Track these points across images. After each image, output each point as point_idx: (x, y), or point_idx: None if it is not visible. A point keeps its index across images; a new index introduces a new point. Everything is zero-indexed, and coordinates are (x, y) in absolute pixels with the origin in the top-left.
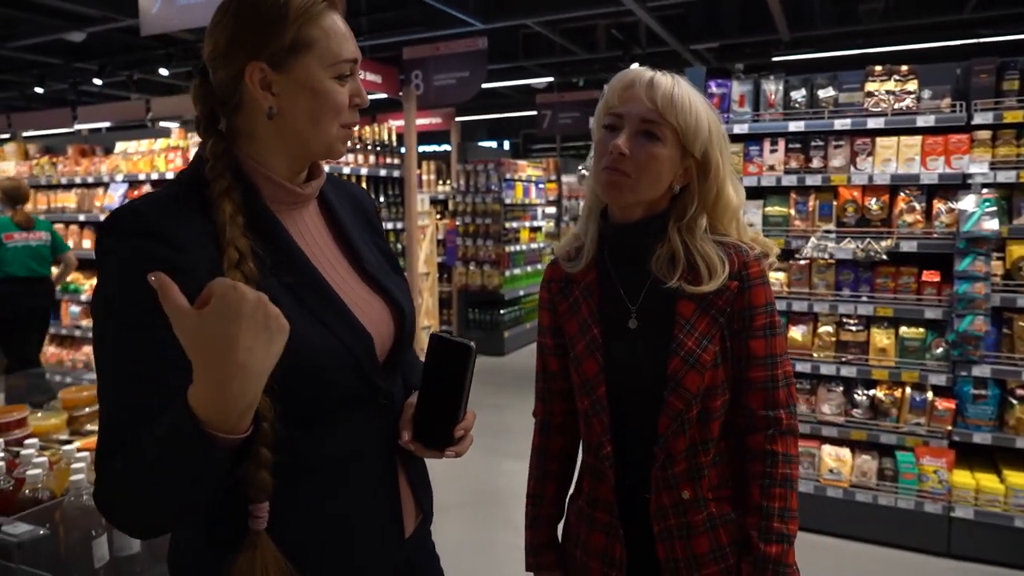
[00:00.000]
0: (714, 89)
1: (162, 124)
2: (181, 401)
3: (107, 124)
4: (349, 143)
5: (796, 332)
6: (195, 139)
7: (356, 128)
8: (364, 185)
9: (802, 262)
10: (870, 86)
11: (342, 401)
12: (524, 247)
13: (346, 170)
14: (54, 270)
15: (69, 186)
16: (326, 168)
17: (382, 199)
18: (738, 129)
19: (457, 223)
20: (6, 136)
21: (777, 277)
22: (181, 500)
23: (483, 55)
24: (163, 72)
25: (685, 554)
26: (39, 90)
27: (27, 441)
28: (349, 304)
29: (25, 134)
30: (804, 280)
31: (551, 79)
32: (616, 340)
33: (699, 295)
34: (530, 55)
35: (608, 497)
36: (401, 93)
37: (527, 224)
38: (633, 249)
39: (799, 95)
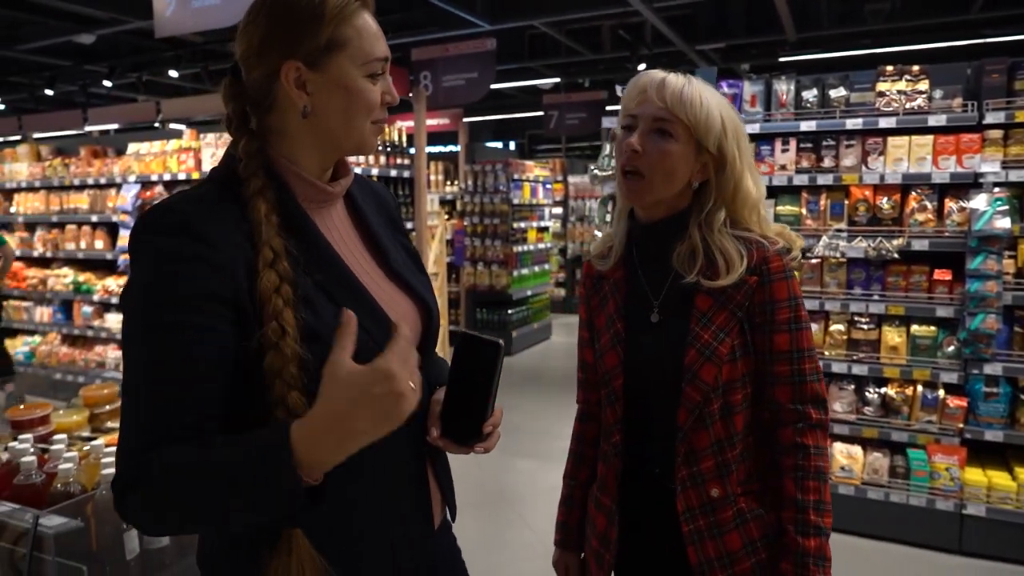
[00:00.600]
0: (725, 89)
1: (172, 126)
2: (282, 430)
3: (116, 126)
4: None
5: None
6: (207, 140)
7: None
8: None
9: (813, 261)
10: (881, 86)
11: None
12: (532, 247)
13: (357, 170)
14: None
15: (81, 187)
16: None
17: None
18: (750, 129)
19: (465, 223)
20: (17, 138)
21: None
22: (228, 517)
23: (491, 56)
24: (172, 74)
25: (718, 552)
26: (49, 92)
27: (55, 437)
28: (381, 301)
29: (36, 136)
30: (816, 279)
31: (557, 80)
32: (639, 334)
33: (717, 289)
34: (536, 56)
35: (611, 483)
36: (411, 94)
37: (534, 224)
38: (657, 246)
39: (810, 95)
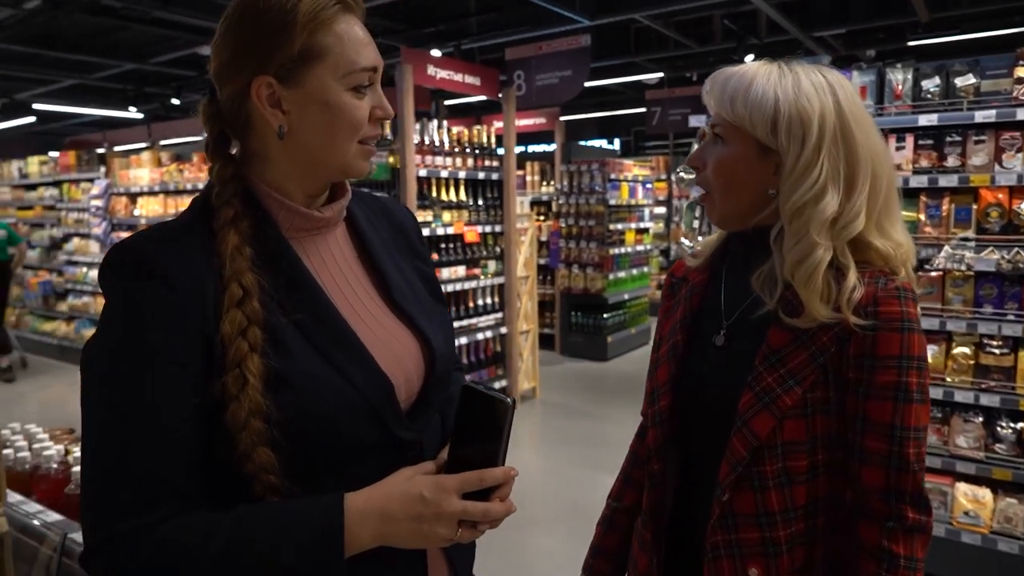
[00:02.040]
0: None
1: None
2: (336, 504)
3: None
4: (450, 145)
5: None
6: None
7: (377, 137)
8: (461, 188)
9: (933, 274)
10: (1020, 71)
11: (359, 451)
12: (629, 249)
13: (444, 173)
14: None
15: (193, 191)
16: (386, 189)
17: (480, 202)
18: None
19: (560, 225)
20: (146, 145)
21: None
22: None
23: (586, 52)
24: None
25: None
26: (176, 101)
27: None
28: (370, 341)
29: (164, 142)
30: (936, 294)
31: (661, 74)
32: (699, 354)
33: (797, 326)
34: (642, 50)
35: (651, 518)
36: (500, 95)
37: (632, 225)
38: (744, 259)
39: (931, 84)
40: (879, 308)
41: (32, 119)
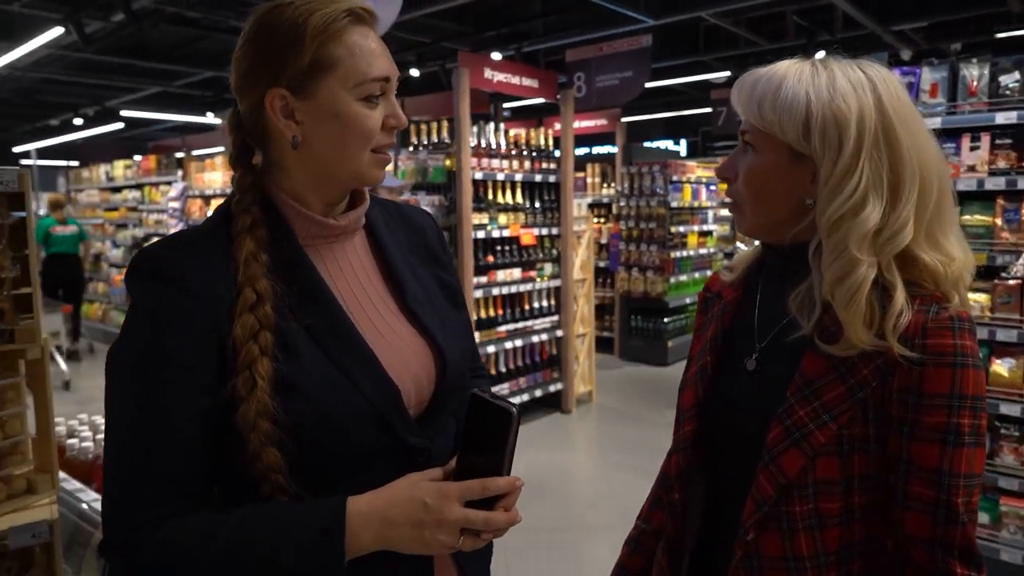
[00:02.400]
0: (899, 78)
1: None
2: (338, 506)
3: None
4: (506, 148)
5: (1002, 366)
6: None
7: (390, 148)
8: (518, 191)
9: (1011, 282)
10: None
11: (367, 457)
12: (691, 253)
13: (500, 176)
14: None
15: None
16: (400, 196)
17: (537, 204)
18: (929, 124)
19: (620, 227)
20: (221, 149)
21: (977, 299)
22: None
23: (647, 53)
24: None
25: None
26: None
27: None
28: (380, 347)
29: None
30: (1014, 303)
31: (728, 73)
32: (728, 378)
33: (834, 354)
34: (710, 49)
35: (665, 544)
36: (558, 97)
37: (695, 228)
38: (780, 276)
39: (1010, 80)
40: (928, 340)
41: (121, 125)
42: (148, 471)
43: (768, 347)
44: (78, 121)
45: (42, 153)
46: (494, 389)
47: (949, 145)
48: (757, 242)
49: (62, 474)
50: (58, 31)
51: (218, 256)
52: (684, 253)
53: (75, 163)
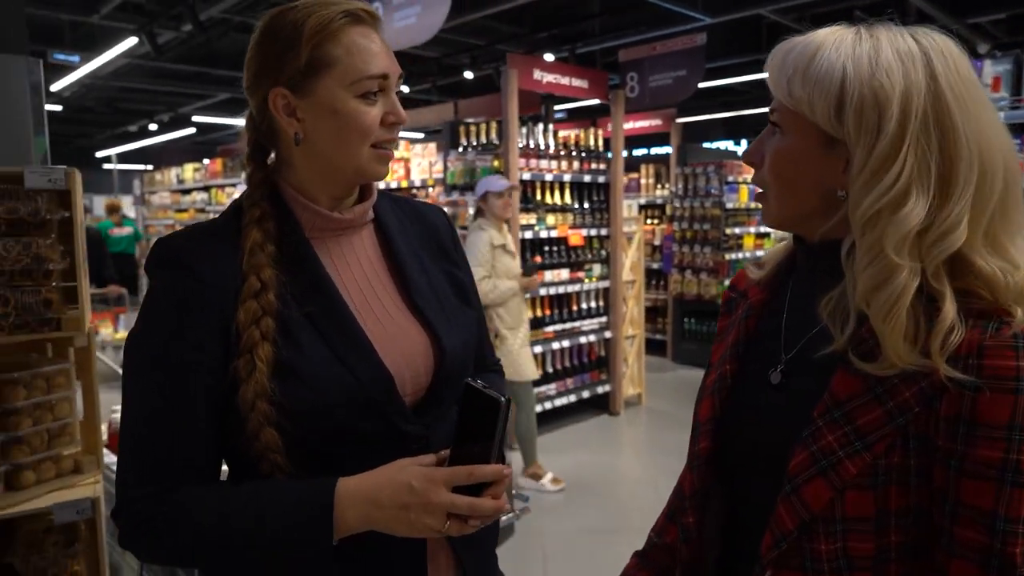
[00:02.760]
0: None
1: (404, 135)
2: (328, 489)
3: None
4: (555, 148)
5: None
6: (415, 151)
7: (394, 147)
8: (567, 191)
9: None
10: None
11: (362, 442)
12: (747, 254)
13: (548, 177)
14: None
15: None
16: (419, 194)
17: (586, 205)
18: None
19: (674, 228)
20: None
21: None
22: (248, 558)
23: (701, 52)
24: (404, 89)
25: None
26: None
27: None
28: (379, 337)
29: None
30: None
31: None
32: (750, 390)
33: (871, 373)
34: (773, 46)
35: (679, 571)
36: (609, 98)
37: (752, 230)
38: (810, 279)
39: None
40: (985, 361)
41: (192, 130)
42: (156, 446)
43: (796, 358)
44: (153, 127)
45: (122, 158)
46: (540, 389)
47: (1015, 142)
48: (780, 244)
49: (110, 456)
50: (132, 41)
51: (228, 247)
52: (740, 255)
53: (150, 167)
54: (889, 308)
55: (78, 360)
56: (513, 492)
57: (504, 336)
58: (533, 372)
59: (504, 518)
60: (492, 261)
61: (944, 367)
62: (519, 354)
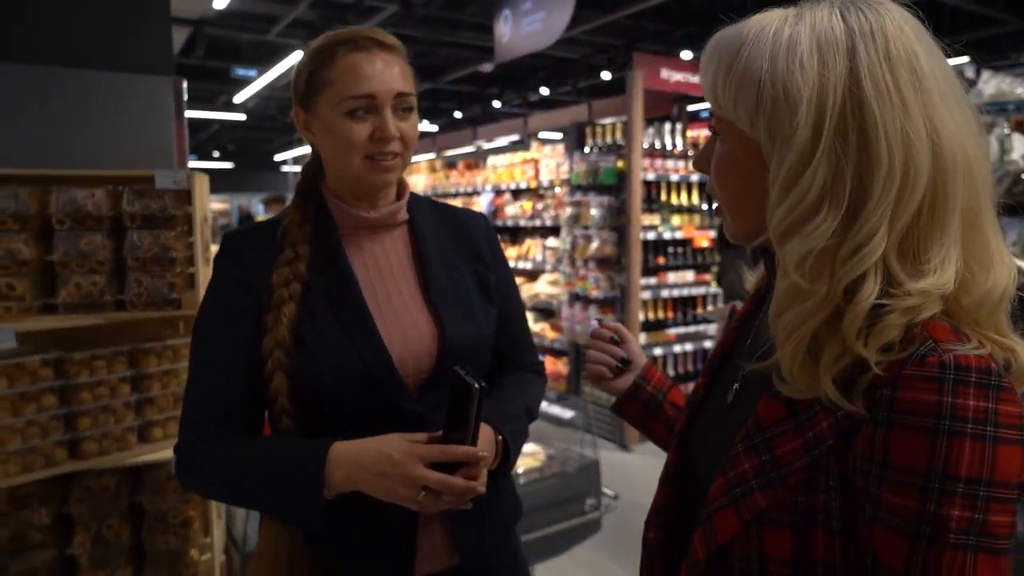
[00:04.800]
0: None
1: (542, 135)
2: (323, 448)
3: (500, 141)
4: (683, 149)
5: None
6: (544, 152)
7: (390, 159)
8: (694, 192)
9: None
10: None
11: (363, 416)
12: None
13: (674, 177)
14: None
15: (456, 194)
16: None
17: (715, 206)
18: None
19: None
20: (432, 155)
21: None
22: (262, 506)
23: None
24: (544, 91)
25: None
26: (458, 115)
27: None
28: (388, 322)
29: (448, 153)
30: None
31: (967, 59)
32: (711, 407)
33: (794, 399)
34: (953, 30)
35: None
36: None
37: None
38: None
39: None
40: (897, 392)
41: None
42: (203, 401)
43: (751, 376)
44: None
45: (297, 160)
46: None
47: None
48: None
49: None
50: (299, 55)
51: (270, 239)
52: None
53: None
54: (790, 332)
55: None
56: (603, 489)
57: None
58: None
59: (591, 514)
60: None
61: (838, 398)
62: None
